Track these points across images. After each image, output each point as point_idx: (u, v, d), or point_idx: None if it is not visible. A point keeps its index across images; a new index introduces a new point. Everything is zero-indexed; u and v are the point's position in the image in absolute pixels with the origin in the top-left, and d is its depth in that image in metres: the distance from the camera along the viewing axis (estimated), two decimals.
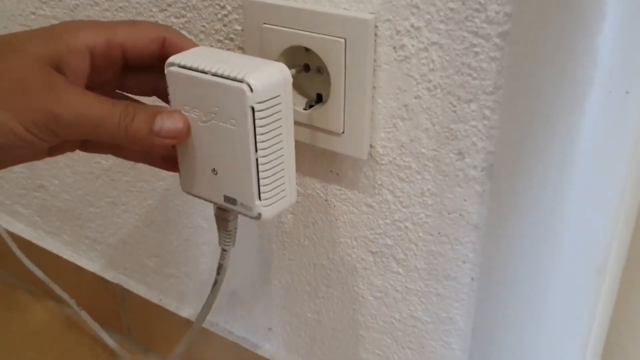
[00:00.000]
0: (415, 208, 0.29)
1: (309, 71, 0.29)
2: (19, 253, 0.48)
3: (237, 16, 0.31)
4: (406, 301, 0.32)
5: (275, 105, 0.23)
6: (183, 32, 0.34)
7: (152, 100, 0.26)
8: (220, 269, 0.30)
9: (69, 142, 0.25)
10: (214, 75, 0.22)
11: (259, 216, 0.24)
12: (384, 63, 0.27)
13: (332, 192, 0.32)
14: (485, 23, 0.24)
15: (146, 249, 0.45)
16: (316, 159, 0.32)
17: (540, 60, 0.22)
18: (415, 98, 0.27)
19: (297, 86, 0.29)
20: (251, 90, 0.22)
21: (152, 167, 0.41)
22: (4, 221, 0.54)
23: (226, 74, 0.22)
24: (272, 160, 0.23)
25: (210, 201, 0.26)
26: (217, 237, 0.40)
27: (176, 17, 0.34)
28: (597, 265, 0.25)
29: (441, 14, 0.25)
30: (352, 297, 0.34)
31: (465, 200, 0.28)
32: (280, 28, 0.28)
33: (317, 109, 0.29)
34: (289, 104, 0.24)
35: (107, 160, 0.44)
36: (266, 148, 0.23)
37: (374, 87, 0.28)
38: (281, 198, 0.25)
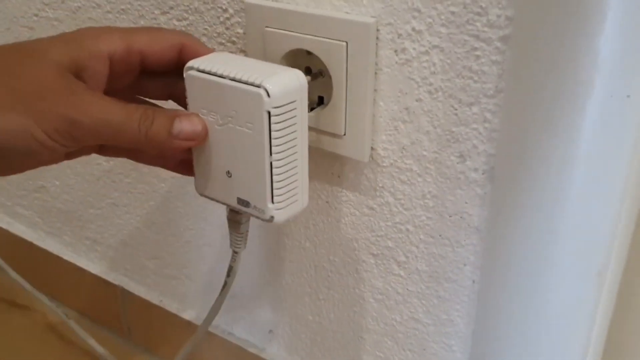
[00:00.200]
0: (417, 210, 0.30)
1: (310, 74, 0.29)
2: (4, 265, 0.48)
3: (239, 19, 0.31)
4: (407, 303, 0.32)
5: (291, 110, 0.23)
6: None
7: (168, 105, 0.26)
8: (230, 271, 0.30)
9: (87, 146, 0.25)
10: (232, 80, 0.23)
11: (271, 219, 0.24)
12: (385, 66, 0.27)
13: (334, 194, 0.32)
14: (487, 27, 0.24)
15: (147, 251, 0.45)
16: (317, 161, 0.32)
17: (541, 63, 0.22)
18: (417, 101, 0.27)
19: None
20: (268, 95, 0.22)
21: (153, 169, 0.41)
22: (4, 222, 0.54)
23: (244, 78, 0.23)
24: (286, 164, 0.24)
25: (224, 203, 0.26)
26: (218, 239, 0.40)
27: (178, 20, 0.34)
28: (597, 267, 0.25)
29: (442, 17, 0.25)
30: (353, 299, 0.35)
31: (466, 202, 0.28)
32: (282, 31, 0.28)
33: (319, 111, 0.29)
34: (304, 109, 0.24)
35: (108, 162, 0.44)
36: (281, 152, 0.23)
37: (375, 90, 0.28)
38: (293, 202, 0.25)
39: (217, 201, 0.26)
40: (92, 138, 0.22)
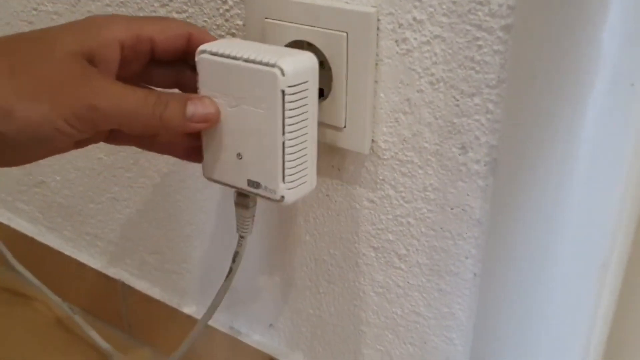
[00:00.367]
0: (418, 203, 0.29)
1: None
2: (9, 256, 0.48)
3: (239, 11, 0.31)
4: (408, 297, 0.32)
5: (303, 90, 0.24)
6: None
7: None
8: (236, 256, 0.30)
9: (98, 133, 0.25)
10: (246, 61, 0.23)
11: (282, 199, 0.25)
12: (386, 57, 0.27)
13: (334, 187, 0.32)
14: (489, 16, 0.24)
15: (147, 245, 0.45)
16: (317, 154, 0.32)
17: (544, 53, 0.22)
18: (418, 92, 0.27)
19: None
20: (283, 74, 0.23)
21: (153, 163, 0.41)
22: (5, 217, 0.54)
23: (258, 59, 0.23)
24: (297, 144, 0.24)
25: (233, 186, 0.26)
26: (218, 234, 0.40)
27: (177, 12, 0.34)
28: (601, 260, 0.25)
29: (444, 7, 0.24)
30: (354, 293, 0.34)
31: (468, 195, 0.28)
32: (282, 22, 0.28)
33: (319, 103, 0.29)
34: (315, 91, 0.25)
35: (108, 157, 0.44)
36: (293, 132, 0.24)
37: (376, 81, 0.28)
38: (303, 183, 0.25)
39: (226, 184, 0.26)
40: (108, 123, 0.22)
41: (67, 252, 0.50)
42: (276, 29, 0.28)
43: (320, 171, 0.32)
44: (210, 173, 0.27)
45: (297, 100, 0.24)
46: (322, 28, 0.27)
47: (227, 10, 0.32)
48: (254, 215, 0.29)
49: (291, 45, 0.28)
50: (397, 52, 0.27)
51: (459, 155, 0.27)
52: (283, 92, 0.23)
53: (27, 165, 0.51)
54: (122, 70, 0.24)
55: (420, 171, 0.29)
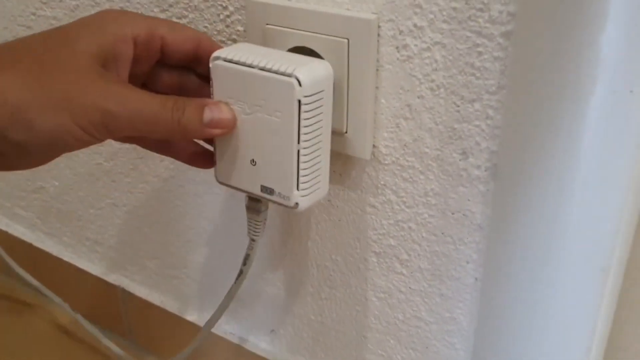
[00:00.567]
0: (419, 208, 0.29)
1: None
2: (11, 262, 0.48)
3: (240, 17, 0.31)
4: (410, 302, 0.32)
5: (319, 100, 0.24)
6: None
7: None
8: (247, 259, 0.30)
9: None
10: (262, 69, 0.23)
11: (296, 205, 0.25)
12: (387, 63, 0.27)
13: (335, 192, 0.32)
14: (489, 23, 0.24)
15: (147, 251, 0.45)
16: None
17: (544, 59, 0.22)
18: (419, 98, 0.27)
19: None
20: (300, 84, 0.23)
21: (153, 168, 0.41)
22: (3, 223, 0.53)
23: (274, 68, 0.23)
24: (311, 152, 0.24)
25: (246, 192, 0.26)
26: (219, 238, 0.39)
27: (178, 18, 0.34)
28: (601, 263, 0.25)
29: (444, 13, 0.25)
30: (356, 298, 0.34)
31: (468, 200, 0.28)
32: (283, 29, 0.28)
33: None
34: (330, 99, 0.25)
35: (108, 162, 0.43)
36: (308, 140, 0.24)
37: (376, 87, 0.28)
38: (316, 189, 0.26)
39: (239, 189, 0.27)
40: (126, 129, 0.22)
41: (66, 258, 0.50)
42: (277, 35, 0.28)
43: None
44: (223, 178, 0.27)
45: (312, 110, 0.24)
46: (323, 34, 0.27)
47: (228, 16, 0.32)
48: (265, 219, 0.29)
49: (292, 52, 0.28)
50: (397, 59, 0.27)
51: (460, 160, 0.27)
52: (299, 102, 0.23)
53: (26, 171, 0.51)
54: (134, 67, 0.24)
55: (421, 176, 0.29)
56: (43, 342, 0.49)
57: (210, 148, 0.27)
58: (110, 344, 0.45)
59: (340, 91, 0.28)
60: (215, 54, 0.25)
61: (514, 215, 0.26)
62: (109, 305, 0.48)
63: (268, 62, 0.23)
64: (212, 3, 0.32)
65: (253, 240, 0.29)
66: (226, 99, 0.25)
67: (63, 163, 0.46)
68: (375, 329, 0.35)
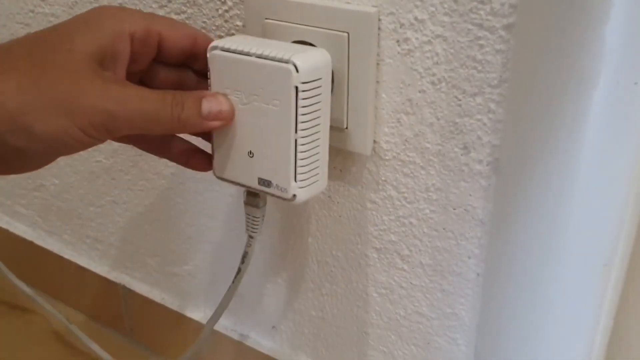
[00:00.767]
0: (420, 204, 0.29)
1: None
2: (4, 268, 0.48)
3: (238, 12, 0.31)
4: (411, 297, 0.32)
5: (317, 87, 0.23)
6: None
7: None
8: (245, 257, 0.30)
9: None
10: (259, 57, 0.23)
11: (293, 197, 0.25)
12: (388, 57, 0.27)
13: (335, 188, 0.32)
14: (490, 15, 0.24)
15: (148, 248, 0.45)
16: None
17: (546, 52, 0.22)
18: (420, 92, 0.27)
19: None
20: (297, 70, 0.22)
21: (153, 165, 0.41)
22: (3, 222, 0.53)
23: (272, 55, 0.23)
24: (309, 142, 0.24)
25: (244, 185, 0.26)
26: (219, 235, 0.39)
27: (176, 13, 0.34)
28: (604, 259, 0.25)
29: (445, 6, 0.24)
30: (356, 294, 0.34)
31: (470, 195, 0.27)
32: (282, 23, 0.28)
33: None
34: (328, 89, 0.24)
35: (108, 159, 0.43)
36: (306, 129, 0.24)
37: (377, 82, 0.27)
38: (314, 182, 0.25)
39: (237, 183, 0.26)
40: (126, 129, 0.22)
41: (67, 256, 0.50)
42: (276, 29, 0.28)
43: None
44: (220, 172, 0.26)
45: (310, 97, 0.23)
46: (323, 28, 0.27)
47: (227, 11, 0.32)
48: (264, 215, 0.29)
49: None
50: (398, 52, 0.26)
51: (461, 155, 0.27)
52: (297, 88, 0.23)
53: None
54: (131, 63, 0.24)
55: (422, 172, 0.28)
56: (38, 348, 0.49)
57: (206, 149, 0.27)
58: (102, 352, 0.45)
59: (340, 86, 0.27)
60: (213, 44, 0.24)
61: (516, 210, 0.25)
62: (110, 303, 0.48)
63: (265, 50, 0.23)
64: None
65: (251, 237, 0.29)
66: (224, 90, 0.24)
67: (63, 161, 0.46)
68: (376, 324, 0.34)
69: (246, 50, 0.23)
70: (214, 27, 0.33)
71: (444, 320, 0.32)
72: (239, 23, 0.31)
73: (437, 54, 0.25)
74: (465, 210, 0.28)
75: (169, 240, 0.43)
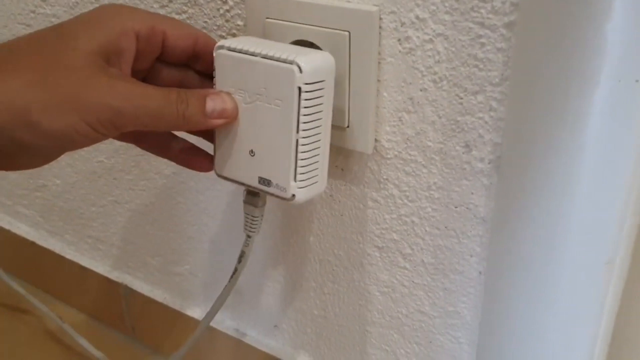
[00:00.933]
0: (422, 202, 0.29)
1: None
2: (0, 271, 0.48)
3: (239, 11, 0.31)
4: (413, 296, 0.32)
5: (320, 89, 0.24)
6: None
7: None
8: (242, 256, 0.30)
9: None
10: (264, 57, 0.23)
11: (292, 197, 0.25)
12: (389, 56, 0.27)
13: (337, 187, 0.32)
14: (491, 13, 0.24)
15: (149, 248, 0.45)
16: None
17: (548, 50, 0.22)
18: (421, 91, 0.27)
19: None
20: (300, 71, 0.23)
21: (154, 165, 0.41)
22: (5, 222, 0.53)
23: (276, 56, 0.23)
24: (310, 143, 0.24)
25: (244, 184, 0.26)
26: (220, 235, 0.39)
27: (177, 13, 0.34)
28: (606, 257, 0.25)
29: (446, 4, 0.24)
30: (359, 293, 0.34)
31: (472, 193, 0.28)
32: (283, 22, 0.28)
33: None
34: (331, 91, 0.25)
35: (109, 159, 0.43)
36: (307, 130, 0.24)
37: (378, 81, 0.27)
38: (314, 183, 0.25)
39: (237, 182, 0.26)
40: (132, 124, 0.22)
41: (68, 256, 0.50)
42: (277, 28, 0.28)
43: None
44: (221, 170, 0.27)
45: (313, 99, 0.24)
46: (324, 27, 0.27)
47: (228, 11, 0.32)
48: (262, 215, 0.29)
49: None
50: (399, 51, 0.26)
51: (463, 153, 0.27)
52: (300, 89, 0.23)
53: (28, 170, 0.51)
54: (135, 62, 0.24)
55: (424, 170, 0.28)
56: (34, 349, 0.49)
57: (206, 149, 0.27)
58: (95, 351, 0.45)
59: (341, 85, 0.27)
60: (219, 43, 0.25)
61: (518, 208, 0.25)
62: (112, 303, 0.48)
63: (270, 51, 0.23)
64: None
65: (249, 236, 0.29)
66: (228, 88, 0.25)
67: (64, 161, 0.46)
68: (378, 323, 0.34)
69: (252, 50, 0.24)
70: (215, 27, 0.33)
71: (446, 319, 0.32)
72: (240, 23, 0.31)
73: (438, 53, 0.25)
74: (467, 208, 0.28)
75: (170, 240, 0.43)
